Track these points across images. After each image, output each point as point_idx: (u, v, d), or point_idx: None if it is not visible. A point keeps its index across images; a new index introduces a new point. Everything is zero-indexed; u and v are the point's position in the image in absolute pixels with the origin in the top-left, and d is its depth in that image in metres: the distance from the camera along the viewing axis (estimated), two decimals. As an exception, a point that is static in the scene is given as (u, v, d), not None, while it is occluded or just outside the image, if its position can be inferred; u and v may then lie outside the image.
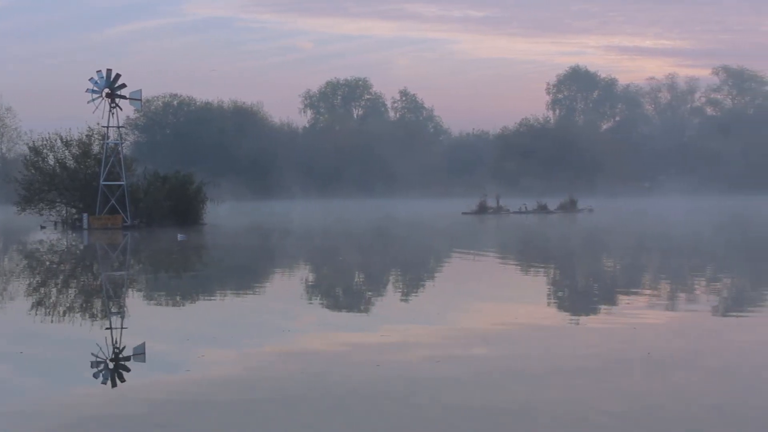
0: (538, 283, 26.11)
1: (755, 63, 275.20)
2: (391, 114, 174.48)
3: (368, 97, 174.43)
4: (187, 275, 29.49)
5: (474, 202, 79.07)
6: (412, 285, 25.68)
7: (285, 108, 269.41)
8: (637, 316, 18.01)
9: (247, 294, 23.81)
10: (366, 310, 20.30)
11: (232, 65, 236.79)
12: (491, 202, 79.52)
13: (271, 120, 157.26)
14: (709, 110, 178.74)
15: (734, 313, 19.08)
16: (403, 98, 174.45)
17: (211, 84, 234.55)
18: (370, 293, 24.10)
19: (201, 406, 11.05)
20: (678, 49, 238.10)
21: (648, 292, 23.38)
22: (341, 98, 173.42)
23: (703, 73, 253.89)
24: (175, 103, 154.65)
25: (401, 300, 22.15)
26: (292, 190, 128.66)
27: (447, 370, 12.88)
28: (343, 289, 25.18)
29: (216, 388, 11.95)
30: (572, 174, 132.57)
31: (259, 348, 14.96)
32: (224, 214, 73.84)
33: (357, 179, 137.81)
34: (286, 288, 25.22)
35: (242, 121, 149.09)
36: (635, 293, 22.86)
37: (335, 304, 21.63)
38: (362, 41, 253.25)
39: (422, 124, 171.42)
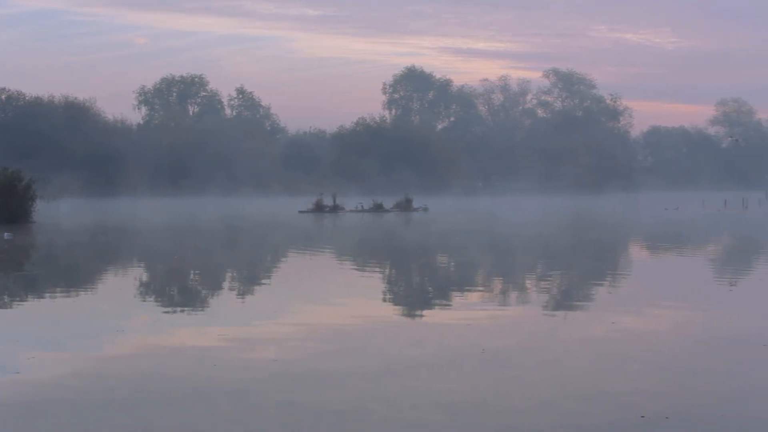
0: (373, 281, 26.31)
1: (583, 66, 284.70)
2: (228, 111, 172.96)
3: (204, 94, 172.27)
4: (14, 275, 28.58)
5: (311, 201, 79.09)
6: (249, 284, 25.56)
7: (119, 104, 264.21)
8: (471, 313, 18.35)
9: (79, 294, 23.23)
10: (202, 310, 20.11)
11: (64, 59, 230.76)
12: (328, 201, 79.70)
13: (104, 116, 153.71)
14: (540, 112, 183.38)
15: (563, 310, 19.64)
16: (240, 96, 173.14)
17: (41, 78, 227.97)
18: (206, 292, 23.87)
19: (31, 408, 10.75)
20: (510, 51, 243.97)
21: (482, 289, 23.88)
22: (177, 95, 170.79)
23: (534, 75, 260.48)
24: (2, 97, 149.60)
25: (238, 299, 22.02)
26: (138, 187, 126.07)
27: (283, 369, 12.88)
28: (178, 288, 24.87)
29: (47, 389, 11.66)
30: (409, 173, 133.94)
31: (92, 348, 14.63)
32: (63, 211, 71.96)
33: (196, 177, 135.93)
34: (120, 287, 24.73)
35: (75, 116, 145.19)
36: (469, 290, 23.30)
37: (171, 304, 21.33)
38: (197, 37, 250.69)
39: (259, 122, 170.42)
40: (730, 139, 45.98)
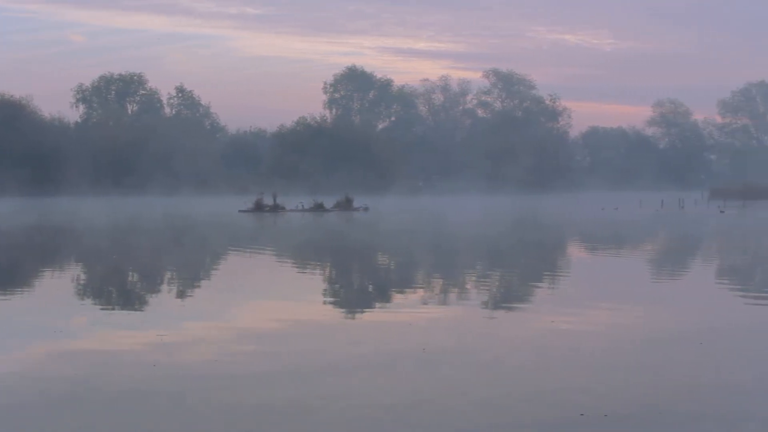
0: (313, 282, 26.26)
1: (523, 67, 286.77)
2: (167, 110, 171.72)
3: (143, 92, 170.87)
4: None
5: (251, 200, 78.72)
6: (188, 284, 25.36)
7: (56, 102, 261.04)
8: (412, 313, 18.37)
9: (15, 295, 22.90)
10: (141, 310, 19.92)
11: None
12: (268, 200, 79.38)
13: (41, 114, 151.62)
14: (480, 112, 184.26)
15: (503, 309, 19.74)
16: (179, 95, 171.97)
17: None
18: (145, 293, 23.66)
19: (-36, 412, 10.58)
20: (450, 52, 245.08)
21: (422, 288, 23.91)
22: (115, 93, 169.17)
23: (474, 75, 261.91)
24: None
25: (177, 300, 21.81)
26: (79, 186, 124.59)
27: (222, 369, 12.80)
28: (117, 289, 24.60)
29: (-19, 392, 11.47)
30: (350, 173, 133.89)
31: (27, 349, 14.43)
32: (1, 211, 71.02)
33: (137, 177, 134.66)
34: (58, 288, 24.41)
35: (11, 114, 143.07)
36: (410, 290, 23.31)
37: (109, 304, 21.10)
38: (136, 35, 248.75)
39: (199, 120, 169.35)
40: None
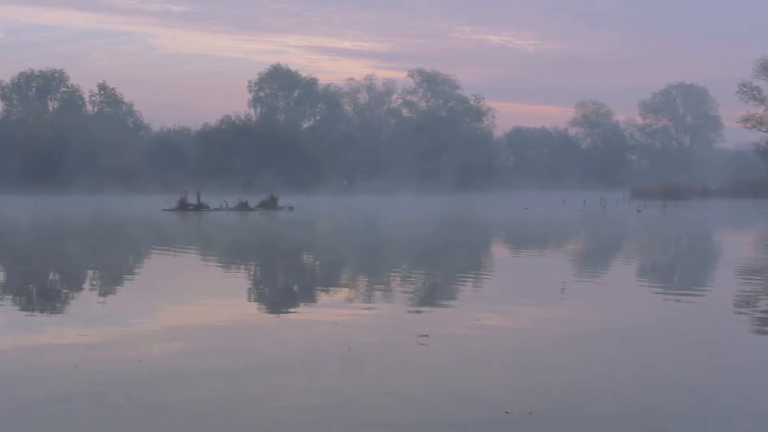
0: (237, 281, 26.11)
1: (448, 67, 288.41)
2: (89, 108, 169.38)
3: (64, 89, 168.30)
4: None
5: (175, 199, 77.98)
6: (110, 284, 25.04)
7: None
8: (337, 312, 18.35)
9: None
10: (62, 310, 19.63)
11: None
12: (192, 199, 78.71)
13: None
14: (405, 112, 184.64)
15: (428, 307, 19.80)
16: (102, 92, 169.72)
17: None
18: (66, 292, 23.32)
19: None
20: (375, 51, 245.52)
21: (348, 287, 23.89)
22: (36, 90, 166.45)
23: (399, 75, 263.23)
24: None
25: (100, 299, 21.52)
26: (1, 184, 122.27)
27: (146, 369, 12.66)
28: (37, 288, 24.21)
29: None
30: (275, 172, 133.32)
31: (-55, 351, 14.13)
32: None
33: (60, 175, 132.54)
34: (-25, 288, 23.95)
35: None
36: (335, 289, 23.29)
37: (29, 305, 20.75)
38: (57, 32, 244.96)
39: (121, 118, 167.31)
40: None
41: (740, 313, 19.19)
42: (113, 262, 31.98)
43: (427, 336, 15.29)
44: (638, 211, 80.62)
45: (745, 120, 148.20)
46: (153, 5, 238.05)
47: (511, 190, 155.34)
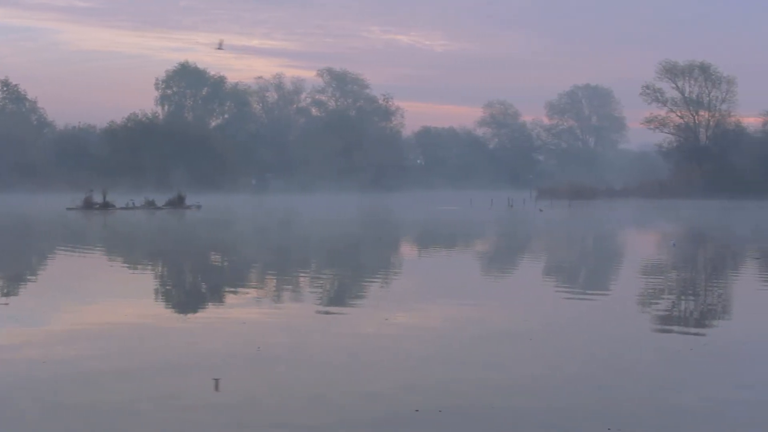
0: (144, 281, 25.79)
1: (357, 66, 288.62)
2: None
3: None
4: None
5: (80, 198, 76.75)
6: (12, 285, 24.51)
7: None
8: (246, 312, 18.25)
9: None
10: (-38, 311, 19.17)
11: None
12: (98, 198, 77.57)
13: None
14: (314, 111, 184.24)
15: (338, 306, 19.79)
16: (4, 88, 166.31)
17: None
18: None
19: None
20: (284, 50, 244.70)
21: (256, 287, 23.76)
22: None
23: (308, 74, 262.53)
24: None
25: (2, 300, 21.05)
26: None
27: (50, 370, 12.44)
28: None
29: None
30: (183, 170, 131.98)
31: None
32: None
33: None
34: None
35: None
36: (244, 289, 23.15)
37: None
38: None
39: (24, 115, 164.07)
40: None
41: (643, 311, 19.54)
42: (15, 262, 31.35)
43: (334, 335, 15.28)
44: (540, 210, 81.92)
45: (649, 121, 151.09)
46: (58, 1, 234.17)
47: (422, 189, 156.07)
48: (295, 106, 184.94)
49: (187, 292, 23.38)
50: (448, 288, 23.19)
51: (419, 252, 37.99)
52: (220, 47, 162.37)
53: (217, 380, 11.80)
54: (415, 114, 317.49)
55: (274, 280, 25.79)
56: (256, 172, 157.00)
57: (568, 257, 35.75)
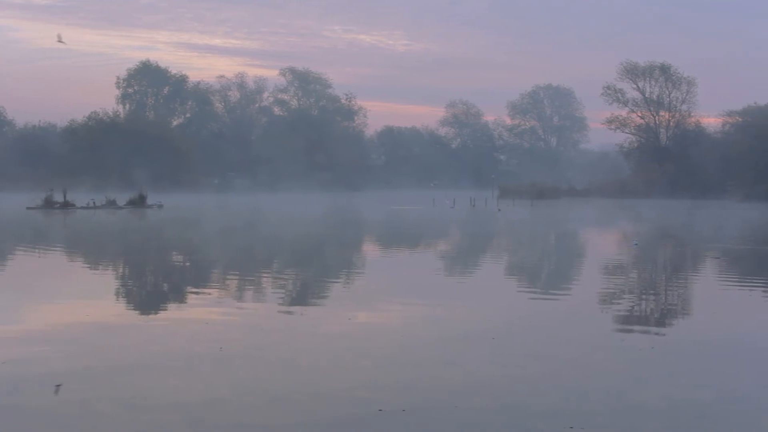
0: (105, 280, 25.63)
1: (320, 66, 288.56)
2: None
3: None
4: None
5: (40, 197, 76.14)
6: (-28, 283, 24.31)
7: None
8: (209, 311, 18.19)
9: None
10: None
11: None
12: (58, 197, 76.98)
13: None
14: (276, 110, 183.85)
15: (300, 306, 19.76)
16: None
17: None
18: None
19: None
20: (247, 49, 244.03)
21: (219, 287, 23.67)
22: None
23: (271, 73, 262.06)
24: None
25: (-40, 299, 20.89)
26: None
27: (9, 371, 12.35)
28: None
29: None
30: (145, 169, 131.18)
31: None
32: None
33: None
34: None
35: None
36: (206, 288, 23.06)
37: None
38: None
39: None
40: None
41: (605, 311, 19.66)
42: (-25, 262, 31.07)
43: (297, 335, 15.26)
44: (498, 210, 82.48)
45: (609, 121, 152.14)
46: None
47: (386, 188, 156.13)
48: (257, 105, 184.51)
49: (148, 293, 23.27)
50: (410, 287, 23.21)
51: (382, 251, 38.00)
52: (60, 40, 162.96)
53: (58, 386, 11.60)
54: (378, 114, 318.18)
55: (237, 280, 25.70)
56: (218, 171, 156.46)
57: (530, 257, 35.90)
